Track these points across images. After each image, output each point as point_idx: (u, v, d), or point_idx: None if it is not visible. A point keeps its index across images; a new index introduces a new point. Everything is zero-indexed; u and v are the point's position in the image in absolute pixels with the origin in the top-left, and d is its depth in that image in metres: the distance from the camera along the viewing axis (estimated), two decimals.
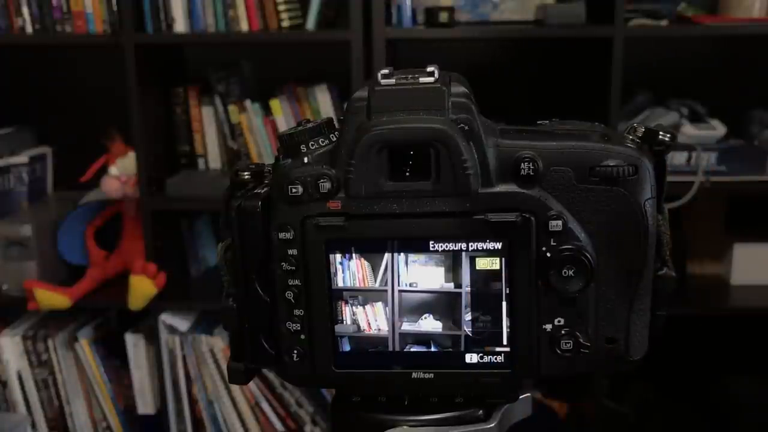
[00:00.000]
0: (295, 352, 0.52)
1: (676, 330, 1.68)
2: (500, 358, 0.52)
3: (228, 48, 2.02)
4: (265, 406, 1.93)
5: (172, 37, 1.78)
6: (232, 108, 1.89)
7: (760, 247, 1.90)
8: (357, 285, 0.52)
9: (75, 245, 1.93)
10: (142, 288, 1.81)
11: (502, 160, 0.49)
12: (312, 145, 0.51)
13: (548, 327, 0.51)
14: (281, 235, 0.51)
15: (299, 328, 0.52)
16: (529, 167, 0.49)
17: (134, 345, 1.93)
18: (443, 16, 1.73)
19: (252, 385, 1.90)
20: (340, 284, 0.51)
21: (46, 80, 2.11)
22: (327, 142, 0.51)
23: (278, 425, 1.93)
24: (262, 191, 0.53)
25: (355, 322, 0.52)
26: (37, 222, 1.90)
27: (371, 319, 0.52)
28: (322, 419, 1.93)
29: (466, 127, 0.49)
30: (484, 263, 0.50)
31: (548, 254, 0.49)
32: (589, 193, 0.49)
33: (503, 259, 0.50)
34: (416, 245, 0.51)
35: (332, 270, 0.51)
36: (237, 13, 1.75)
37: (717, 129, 1.79)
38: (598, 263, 0.50)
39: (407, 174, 0.50)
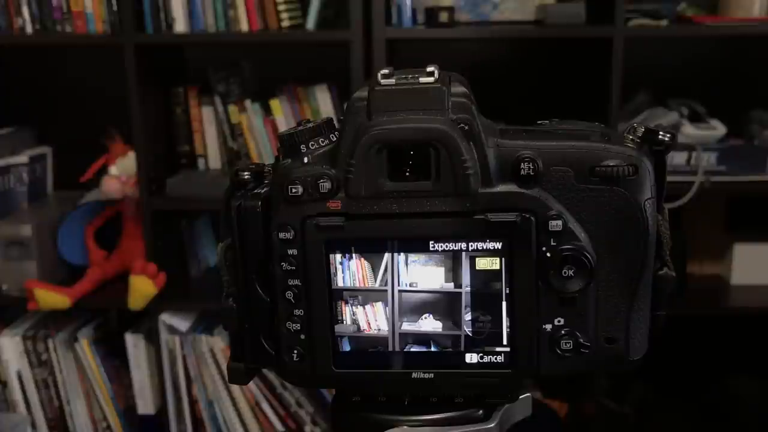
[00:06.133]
0: (295, 352, 0.52)
1: (676, 330, 1.68)
2: (500, 358, 0.52)
3: (228, 48, 2.01)
4: (265, 406, 1.93)
5: (172, 37, 1.78)
6: (232, 108, 1.89)
7: (760, 247, 1.90)
8: (357, 285, 0.51)
9: (75, 245, 1.93)
10: (142, 288, 1.81)
11: (502, 160, 0.49)
12: (312, 145, 0.51)
13: (548, 327, 0.51)
14: (281, 235, 0.51)
15: (299, 328, 0.52)
16: (529, 167, 0.49)
17: (134, 345, 1.93)
18: (443, 16, 1.73)
19: (252, 385, 1.90)
20: (340, 284, 0.51)
21: (46, 80, 2.11)
22: (327, 142, 0.51)
23: (278, 425, 1.93)
24: (262, 191, 0.53)
25: (355, 322, 0.52)
26: (37, 222, 1.90)
27: (371, 319, 0.52)
28: (322, 419, 1.93)
29: (466, 127, 0.49)
30: (484, 263, 0.50)
31: (548, 254, 0.49)
32: (589, 193, 0.49)
33: (503, 259, 0.50)
34: (416, 245, 0.50)
35: (332, 270, 0.51)
36: (237, 13, 1.75)
37: (717, 129, 1.79)
38: (598, 263, 0.49)
39: (407, 174, 0.50)
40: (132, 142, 1.82)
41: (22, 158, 1.99)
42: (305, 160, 0.50)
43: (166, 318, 1.90)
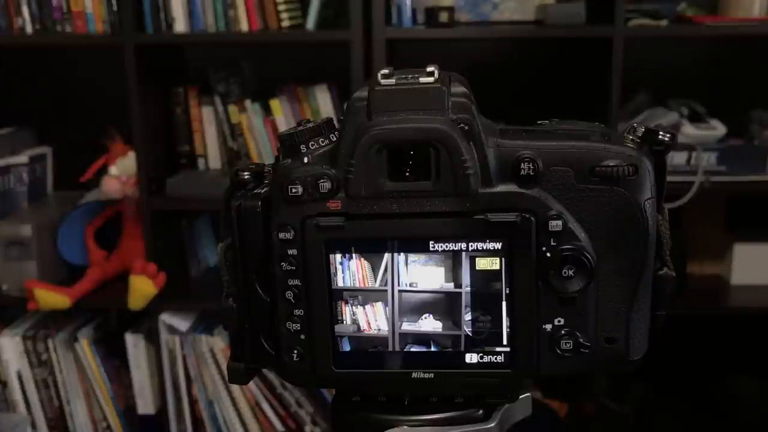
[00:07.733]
0: (295, 352, 0.52)
1: (676, 330, 1.68)
2: (500, 358, 0.51)
3: (228, 48, 2.01)
4: (265, 406, 1.93)
5: (172, 37, 1.78)
6: (232, 108, 1.89)
7: (760, 247, 1.90)
8: (357, 285, 0.51)
9: (75, 245, 1.93)
10: (142, 288, 1.81)
11: (502, 160, 0.49)
12: (312, 145, 0.51)
13: (548, 327, 0.51)
14: (281, 235, 0.51)
15: (299, 328, 0.52)
16: (529, 167, 0.49)
17: (134, 345, 1.93)
18: (443, 16, 1.73)
19: (252, 385, 1.90)
20: (340, 284, 0.51)
21: (46, 80, 2.11)
22: (327, 142, 0.51)
23: (278, 425, 1.93)
24: (262, 191, 0.53)
25: (355, 322, 0.52)
26: (37, 222, 1.90)
27: (371, 319, 0.52)
28: (322, 419, 1.93)
29: (466, 127, 0.49)
30: (484, 263, 0.50)
31: (548, 254, 0.49)
32: (589, 193, 0.49)
33: (503, 259, 0.50)
34: (416, 245, 0.50)
35: (332, 270, 0.51)
36: (237, 13, 1.75)
37: (717, 129, 1.79)
38: (598, 263, 0.49)
39: (407, 174, 0.50)
40: (132, 142, 1.82)
41: (22, 158, 1.99)
42: (305, 160, 0.50)
43: (166, 318, 1.90)
